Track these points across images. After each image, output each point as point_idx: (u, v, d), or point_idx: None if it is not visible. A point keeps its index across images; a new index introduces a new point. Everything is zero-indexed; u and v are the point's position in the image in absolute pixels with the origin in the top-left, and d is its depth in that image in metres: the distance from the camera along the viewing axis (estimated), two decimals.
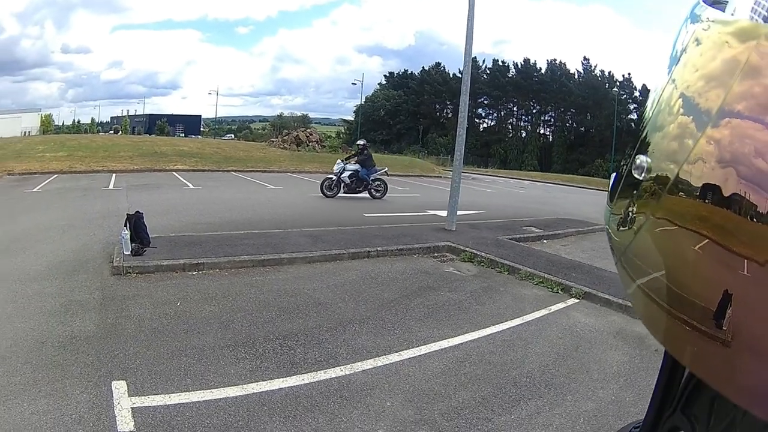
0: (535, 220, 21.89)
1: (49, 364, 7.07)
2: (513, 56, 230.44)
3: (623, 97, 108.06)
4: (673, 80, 0.93)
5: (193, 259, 12.07)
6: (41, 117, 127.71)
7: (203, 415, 6.01)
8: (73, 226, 16.54)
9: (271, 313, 9.39)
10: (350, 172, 27.15)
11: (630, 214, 0.99)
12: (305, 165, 47.43)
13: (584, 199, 37.77)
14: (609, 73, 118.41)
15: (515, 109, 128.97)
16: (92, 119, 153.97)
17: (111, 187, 28.80)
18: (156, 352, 7.60)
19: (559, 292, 11.72)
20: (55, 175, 33.97)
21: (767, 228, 0.67)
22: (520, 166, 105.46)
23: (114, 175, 34.98)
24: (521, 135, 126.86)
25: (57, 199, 23.37)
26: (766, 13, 0.78)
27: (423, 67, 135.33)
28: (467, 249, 14.74)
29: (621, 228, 1.03)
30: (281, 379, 6.99)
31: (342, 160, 28.02)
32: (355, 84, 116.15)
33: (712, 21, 0.88)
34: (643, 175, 0.93)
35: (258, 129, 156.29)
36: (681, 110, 0.88)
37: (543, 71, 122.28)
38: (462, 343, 8.58)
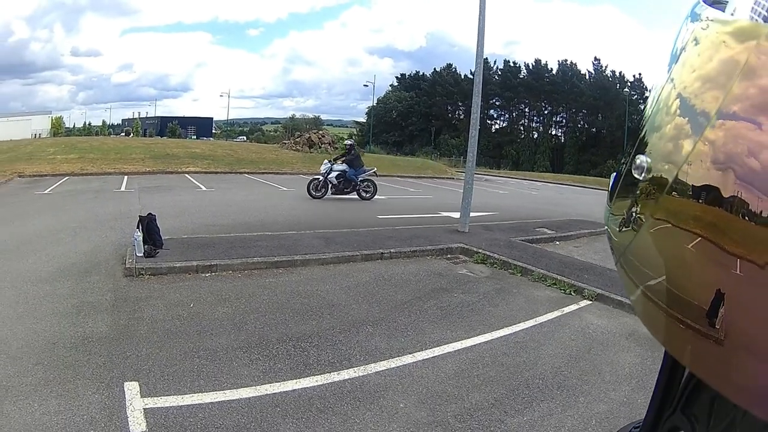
0: (547, 222, 21.85)
1: (61, 364, 7.10)
2: (524, 57, 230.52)
3: (634, 98, 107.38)
4: (673, 80, 0.94)
5: (206, 260, 12.08)
6: (52, 119, 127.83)
7: (216, 416, 6.02)
8: (85, 227, 16.62)
9: (285, 315, 9.40)
10: (337, 173, 27.01)
11: (629, 214, 1.00)
12: (318, 167, 47.12)
13: (596, 200, 37.59)
14: (620, 73, 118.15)
15: (527, 110, 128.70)
16: (103, 121, 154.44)
17: (123, 189, 28.88)
18: (169, 353, 7.63)
19: (572, 293, 11.70)
20: (66, 177, 34.11)
21: (765, 229, 0.68)
22: (533, 168, 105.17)
23: (126, 177, 35.06)
24: (533, 136, 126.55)
25: (68, 201, 23.45)
26: (766, 13, 0.78)
27: (434, 69, 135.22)
28: (480, 251, 14.74)
29: (620, 228, 1.04)
30: (294, 381, 7.00)
31: (329, 161, 27.93)
32: (366, 86, 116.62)
33: (712, 20, 0.89)
34: (642, 174, 0.94)
35: (270, 131, 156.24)
36: (680, 110, 0.89)
37: (554, 72, 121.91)
38: (475, 345, 8.58)
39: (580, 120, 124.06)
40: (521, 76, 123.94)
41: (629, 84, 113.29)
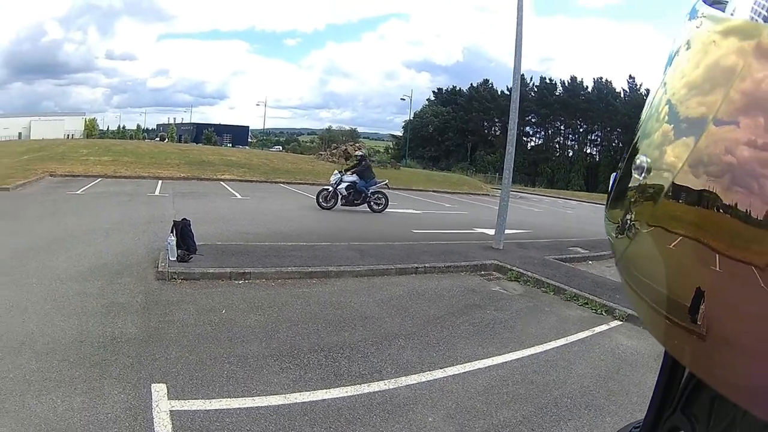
0: (581, 241, 21.68)
1: (87, 363, 7.17)
2: (559, 74, 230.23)
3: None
4: (669, 82, 0.96)
5: (239, 268, 12.14)
6: (85, 121, 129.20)
7: (243, 422, 6.05)
8: (117, 229, 16.81)
9: (317, 325, 9.43)
10: (347, 184, 26.64)
11: (627, 217, 1.01)
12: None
13: None
14: None
15: (562, 127, 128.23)
16: (138, 125, 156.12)
17: (157, 193, 29.16)
18: (198, 358, 7.68)
19: (603, 313, 11.63)
20: (99, 179, 34.49)
21: (761, 232, 0.68)
22: (567, 186, 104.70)
23: (160, 181, 35.40)
24: (568, 154, 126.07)
25: (101, 203, 23.80)
26: (766, 13, 0.78)
27: (471, 84, 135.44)
28: (514, 268, 14.71)
29: (619, 231, 1.05)
30: (324, 391, 6.99)
31: (339, 171, 27.61)
32: (404, 99, 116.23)
33: (712, 21, 0.89)
34: (643, 174, 0.94)
35: (306, 142, 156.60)
36: (674, 114, 0.90)
37: (589, 90, 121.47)
38: (506, 362, 8.57)
39: (614, 138, 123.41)
40: (557, 94, 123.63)
41: None
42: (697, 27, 0.91)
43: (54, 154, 45.64)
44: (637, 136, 1.04)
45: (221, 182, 38.26)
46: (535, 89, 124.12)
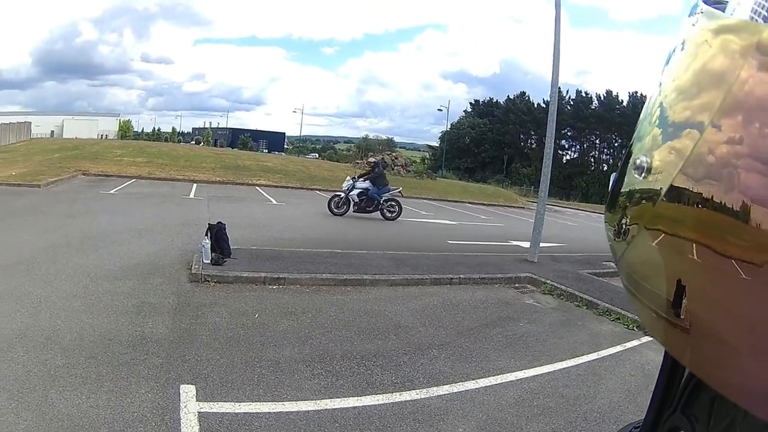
0: None
1: (116, 361, 7.21)
2: (595, 87, 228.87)
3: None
4: (664, 83, 0.98)
5: (273, 273, 12.17)
6: (120, 122, 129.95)
7: (272, 427, 6.06)
8: (151, 230, 16.92)
9: (350, 333, 9.46)
10: (359, 191, 26.31)
11: (624, 221, 1.04)
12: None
13: None
14: None
15: (597, 141, 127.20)
16: (173, 128, 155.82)
17: (192, 196, 29.25)
18: (229, 361, 7.71)
19: (635, 329, 11.53)
20: (133, 180, 34.60)
21: (758, 232, 0.69)
22: (601, 200, 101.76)
23: (195, 184, 35.45)
24: (603, 168, 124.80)
25: (135, 203, 23.92)
26: (766, 13, 0.78)
27: (508, 96, 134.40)
28: (548, 281, 14.69)
29: (618, 235, 1.08)
30: (356, 398, 7.02)
31: (352, 178, 27.15)
32: (441, 110, 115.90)
33: (708, 19, 0.90)
34: (643, 174, 0.95)
35: (342, 150, 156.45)
36: (671, 116, 0.92)
37: (625, 104, 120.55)
38: (537, 375, 8.55)
39: None
40: (592, 107, 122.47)
41: None
42: (693, 24, 0.94)
43: (87, 154, 45.87)
44: (633, 138, 1.07)
45: (257, 187, 38.30)
46: (571, 102, 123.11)
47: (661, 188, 0.89)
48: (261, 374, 7.38)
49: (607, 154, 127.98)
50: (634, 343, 10.72)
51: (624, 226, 1.05)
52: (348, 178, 27.35)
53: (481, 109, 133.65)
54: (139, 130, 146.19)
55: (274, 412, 6.40)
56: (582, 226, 41.29)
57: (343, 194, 26.48)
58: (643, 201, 0.96)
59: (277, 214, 24.59)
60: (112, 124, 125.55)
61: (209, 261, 12.30)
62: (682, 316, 0.86)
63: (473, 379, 8.02)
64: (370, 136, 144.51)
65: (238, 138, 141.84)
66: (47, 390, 6.16)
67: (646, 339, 10.94)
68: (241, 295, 10.98)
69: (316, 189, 42.36)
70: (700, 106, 0.83)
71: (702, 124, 0.81)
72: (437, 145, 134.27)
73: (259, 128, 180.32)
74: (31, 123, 79.56)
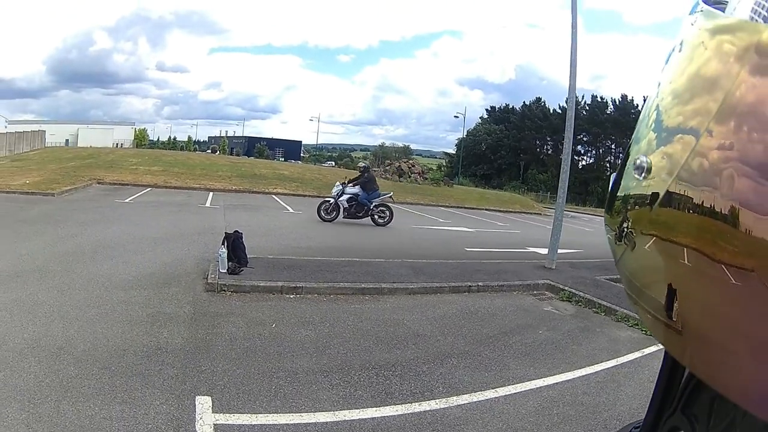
0: None
1: (130, 372, 7.16)
2: (610, 91, 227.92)
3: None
4: (668, 84, 0.97)
5: (291, 282, 12.15)
6: (135, 130, 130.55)
7: None
8: (166, 239, 16.94)
9: (369, 342, 9.43)
10: (349, 196, 26.16)
11: (625, 223, 1.04)
12: (407, 196, 46.90)
13: None
14: None
15: (613, 147, 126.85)
16: (189, 137, 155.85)
17: (208, 204, 29.28)
18: (246, 371, 7.66)
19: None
20: (149, 189, 34.63)
21: (755, 238, 0.69)
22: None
23: (211, 193, 35.48)
24: None
25: (150, 212, 23.96)
26: (766, 13, 0.78)
27: (524, 102, 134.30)
28: (566, 288, 14.65)
29: (617, 236, 1.09)
30: (374, 409, 6.96)
31: (341, 183, 26.87)
32: (457, 117, 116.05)
33: (710, 20, 0.90)
34: (643, 174, 0.95)
35: (359, 158, 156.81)
36: (675, 116, 0.91)
37: (640, 108, 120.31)
38: (557, 383, 8.50)
39: None
40: (608, 112, 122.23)
41: None
42: (692, 24, 0.94)
43: (102, 162, 46.14)
44: (639, 135, 1.05)
45: (273, 196, 38.28)
46: (587, 108, 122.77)
47: (657, 192, 0.90)
48: (278, 385, 7.32)
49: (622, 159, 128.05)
50: (653, 348, 10.58)
51: (622, 229, 1.06)
52: (337, 183, 27.24)
53: (497, 116, 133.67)
54: (155, 139, 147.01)
55: (292, 424, 6.35)
56: (598, 231, 41.08)
57: (332, 200, 26.39)
58: (641, 204, 0.97)
59: (294, 223, 24.62)
60: (128, 133, 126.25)
61: (226, 270, 12.29)
62: (677, 319, 0.87)
63: (493, 388, 7.97)
64: (387, 144, 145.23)
65: (254, 146, 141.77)
66: (59, 401, 6.13)
67: None
68: (257, 304, 10.94)
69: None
70: (697, 109, 0.83)
71: (698, 130, 0.82)
72: (453, 152, 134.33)
73: (275, 137, 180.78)
74: (45, 132, 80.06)
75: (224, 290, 11.46)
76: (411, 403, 7.25)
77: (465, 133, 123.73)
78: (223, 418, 6.28)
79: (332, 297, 12.01)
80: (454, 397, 7.54)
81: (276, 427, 6.23)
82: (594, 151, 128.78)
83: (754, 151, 0.71)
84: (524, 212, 53.55)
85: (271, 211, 28.77)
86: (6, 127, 78.84)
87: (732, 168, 0.73)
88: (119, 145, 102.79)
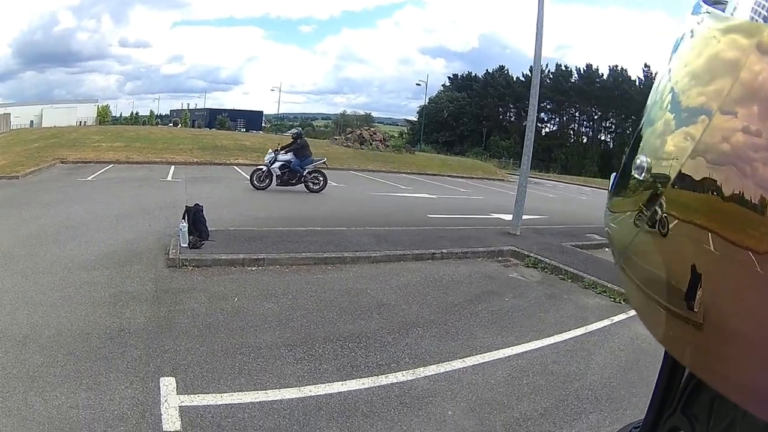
0: (597, 227, 21.13)
1: (94, 356, 7.01)
2: (575, 61, 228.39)
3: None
4: (671, 76, 0.95)
5: (252, 254, 12.05)
6: (98, 107, 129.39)
7: (256, 417, 5.93)
8: (128, 215, 16.70)
9: (332, 313, 9.32)
10: (281, 163, 25.65)
11: (628, 212, 1.03)
12: (368, 163, 47.48)
13: None
14: None
15: (577, 114, 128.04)
16: (151, 111, 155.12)
17: (169, 178, 29.01)
18: (209, 349, 7.53)
19: (622, 302, 11.45)
20: (111, 165, 34.27)
21: (764, 228, 0.67)
22: (581, 172, 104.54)
23: (173, 167, 35.19)
24: (582, 141, 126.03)
25: (112, 189, 23.65)
26: (766, 13, 0.76)
27: (487, 70, 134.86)
28: (531, 254, 14.63)
29: (620, 227, 1.09)
30: (341, 383, 6.89)
31: (274, 150, 26.31)
32: (419, 85, 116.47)
33: (712, 19, 0.88)
34: (643, 175, 0.94)
35: (320, 127, 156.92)
36: (679, 107, 0.89)
37: (605, 77, 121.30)
38: (525, 352, 8.45)
39: (629, 126, 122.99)
40: (572, 81, 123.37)
41: None
42: (699, 23, 0.91)
43: (65, 141, 45.57)
44: (642, 122, 1.04)
45: (235, 167, 37.91)
46: (551, 76, 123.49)
47: (668, 178, 0.88)
48: (242, 362, 7.23)
49: (586, 127, 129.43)
50: (622, 316, 10.65)
51: (626, 216, 1.05)
52: (270, 150, 26.82)
53: (460, 83, 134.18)
54: (118, 115, 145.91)
55: (258, 402, 6.26)
56: (562, 198, 41.58)
57: (265, 167, 26.00)
58: (648, 192, 0.94)
59: (256, 193, 24.44)
60: (91, 111, 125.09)
61: (187, 245, 12.14)
62: (682, 315, 0.84)
63: (460, 358, 7.91)
64: (348, 112, 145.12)
65: (215, 118, 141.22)
66: (27, 392, 5.96)
67: (634, 312, 10.87)
68: (219, 278, 10.80)
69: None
70: (702, 102, 0.83)
71: (708, 113, 0.79)
72: (415, 119, 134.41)
73: (236, 108, 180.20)
74: (10, 114, 79.21)
75: (186, 265, 11.31)
76: (377, 375, 7.18)
77: (427, 101, 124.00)
78: (188, 400, 6.15)
79: (294, 268, 11.89)
80: (421, 368, 7.48)
81: (241, 406, 6.12)
82: (558, 119, 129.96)
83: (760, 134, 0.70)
84: (487, 178, 53.99)
85: (232, 182, 28.46)
86: None
87: (744, 148, 0.72)
88: (82, 123, 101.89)
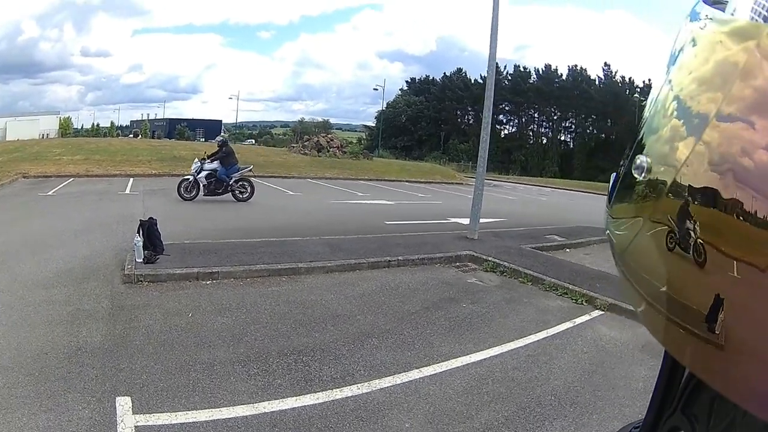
0: (557, 228, 21.73)
1: (53, 376, 6.91)
2: (534, 62, 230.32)
3: (644, 103, 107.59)
4: (671, 81, 0.93)
5: (207, 267, 11.94)
6: (60, 120, 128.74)
7: None
8: (86, 230, 16.55)
9: (287, 326, 9.22)
10: (207, 172, 25.04)
11: (628, 217, 1.00)
12: (326, 171, 47.69)
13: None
14: (629, 79, 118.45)
15: (536, 115, 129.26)
16: (111, 123, 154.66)
17: (127, 191, 28.87)
18: (164, 367, 7.44)
19: (584, 303, 11.51)
20: (72, 179, 34.15)
21: (764, 232, 0.66)
22: (541, 173, 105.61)
23: (131, 179, 35.13)
24: (542, 142, 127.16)
25: (72, 203, 23.46)
26: (766, 13, 0.76)
27: (444, 73, 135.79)
28: (490, 258, 14.57)
29: (620, 231, 1.04)
30: (294, 398, 6.79)
31: (200, 159, 25.61)
32: (376, 89, 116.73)
33: (712, 21, 0.87)
34: (643, 174, 0.93)
35: (279, 134, 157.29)
36: (678, 112, 0.88)
37: (564, 77, 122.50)
38: (485, 359, 8.39)
39: (589, 126, 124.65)
40: (531, 81, 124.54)
41: (639, 90, 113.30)
42: (701, 29, 0.90)
43: (28, 155, 45.58)
44: (641, 133, 1.00)
45: None
46: (509, 77, 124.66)
47: (665, 183, 0.87)
48: (196, 379, 7.14)
49: (546, 128, 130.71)
50: (585, 318, 10.73)
51: (626, 220, 1.01)
52: (196, 159, 26.13)
53: (417, 87, 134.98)
54: (79, 127, 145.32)
55: (211, 420, 6.19)
56: (522, 199, 41.91)
57: (192, 177, 25.32)
58: (647, 196, 0.93)
59: (211, 204, 24.24)
60: (53, 123, 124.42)
61: (142, 260, 12.03)
62: (681, 315, 0.84)
63: (417, 368, 7.85)
64: (306, 119, 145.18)
65: (175, 128, 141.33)
66: None
67: (597, 313, 11.09)
68: (174, 293, 10.70)
69: (251, 176, 41.82)
70: (701, 106, 0.82)
71: (702, 124, 0.80)
72: (373, 125, 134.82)
73: (196, 117, 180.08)
74: None
75: (141, 281, 11.19)
76: (332, 389, 7.11)
77: (384, 106, 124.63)
78: (144, 419, 6.11)
79: (249, 280, 11.79)
80: (377, 381, 7.40)
81: (196, 425, 6.08)
82: (517, 120, 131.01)
83: (752, 145, 0.70)
84: (445, 182, 54.34)
85: None
86: None
87: (736, 158, 0.72)
88: (45, 136, 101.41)
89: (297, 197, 29.27)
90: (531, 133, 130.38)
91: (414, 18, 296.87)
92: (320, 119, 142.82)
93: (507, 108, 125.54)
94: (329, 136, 76.00)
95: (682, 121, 0.86)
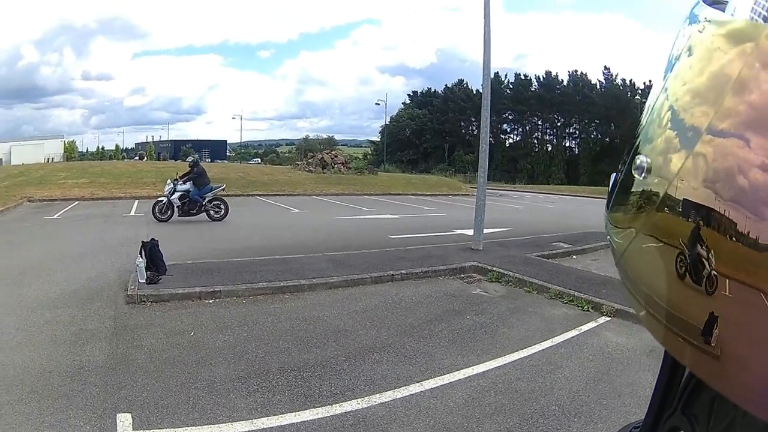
0: (563, 235, 21.66)
1: (56, 394, 7.00)
2: (534, 69, 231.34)
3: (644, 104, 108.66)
4: (667, 90, 0.91)
5: (209, 286, 11.95)
6: (65, 143, 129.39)
7: None
8: (91, 253, 16.67)
9: (288, 343, 9.21)
10: (180, 193, 24.99)
11: (626, 219, 0.99)
12: (330, 187, 47.94)
13: None
14: (630, 81, 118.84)
15: (540, 122, 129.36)
16: (116, 145, 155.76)
17: (132, 213, 28.98)
18: (165, 384, 7.47)
19: (590, 310, 11.43)
20: (77, 202, 34.47)
21: (753, 250, 0.66)
22: (548, 180, 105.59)
23: (136, 201, 35.18)
24: (547, 149, 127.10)
25: (77, 226, 23.64)
26: (766, 13, 0.74)
27: (446, 85, 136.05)
28: (494, 268, 14.49)
29: (618, 233, 1.03)
30: (293, 414, 6.76)
31: (173, 180, 25.46)
32: (378, 104, 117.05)
33: (710, 23, 0.85)
34: (643, 174, 0.91)
35: (284, 152, 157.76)
36: (672, 122, 0.87)
37: (565, 83, 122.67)
38: (487, 371, 8.29)
39: (593, 130, 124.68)
40: (532, 89, 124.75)
41: (640, 91, 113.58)
42: (700, 31, 0.87)
43: (32, 179, 45.96)
44: (638, 140, 0.99)
45: None
46: (511, 86, 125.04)
47: (658, 194, 0.87)
48: (196, 396, 7.14)
49: (550, 134, 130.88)
50: (591, 325, 10.64)
51: (622, 227, 1.01)
52: (168, 180, 25.92)
53: (420, 100, 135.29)
54: (84, 150, 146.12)
55: None
56: (528, 208, 41.91)
57: (165, 199, 25.18)
58: (648, 202, 0.91)
59: (216, 224, 24.51)
60: (58, 147, 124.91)
61: (145, 280, 12.09)
62: (681, 317, 0.84)
63: (418, 382, 7.77)
64: (311, 136, 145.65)
65: (180, 149, 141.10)
66: None
67: (604, 320, 11.00)
68: (177, 312, 10.73)
69: (256, 194, 42.67)
70: (695, 117, 0.81)
71: (696, 136, 0.79)
72: (378, 139, 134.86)
73: (200, 138, 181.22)
74: None
75: (144, 301, 11.25)
76: (331, 404, 7.07)
77: (388, 120, 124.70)
78: None
79: (251, 299, 11.79)
80: (377, 395, 7.34)
81: None
82: (521, 129, 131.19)
83: (755, 151, 0.69)
84: (451, 194, 54.64)
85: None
86: None
87: (734, 167, 0.71)
88: (50, 160, 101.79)
89: (303, 214, 29.41)
90: (536, 141, 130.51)
91: (413, 31, 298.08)
92: (325, 136, 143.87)
93: (510, 117, 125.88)
94: (333, 152, 76.20)
95: (675, 132, 0.86)
